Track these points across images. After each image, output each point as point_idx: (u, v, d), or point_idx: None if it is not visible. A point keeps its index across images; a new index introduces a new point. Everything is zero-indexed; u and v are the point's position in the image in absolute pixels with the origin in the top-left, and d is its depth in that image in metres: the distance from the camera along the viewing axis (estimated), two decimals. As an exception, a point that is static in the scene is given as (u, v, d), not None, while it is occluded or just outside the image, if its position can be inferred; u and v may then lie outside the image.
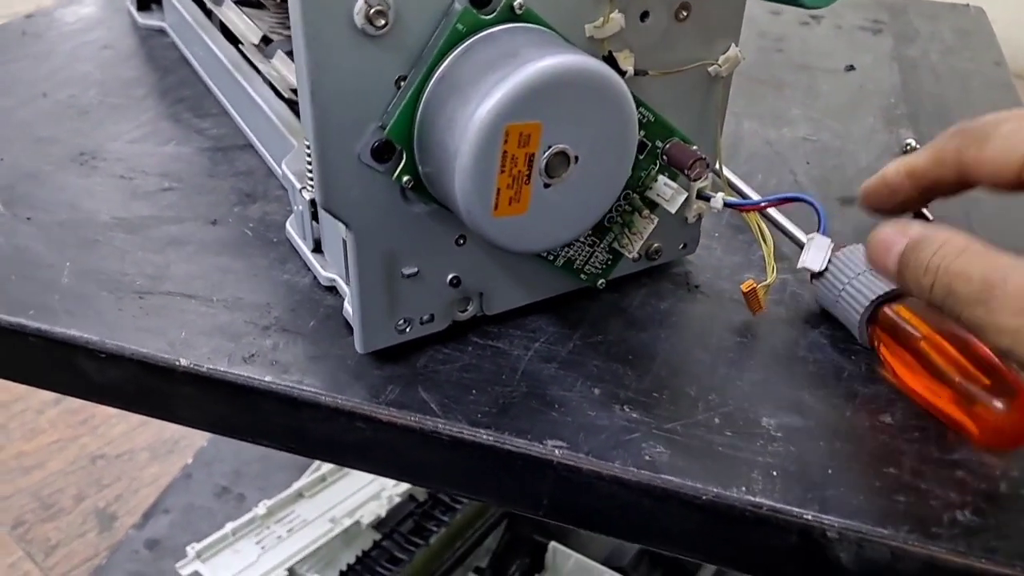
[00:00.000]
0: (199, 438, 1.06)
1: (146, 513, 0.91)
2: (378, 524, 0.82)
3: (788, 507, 0.28)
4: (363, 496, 0.85)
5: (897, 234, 0.29)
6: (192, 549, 0.79)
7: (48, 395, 1.15)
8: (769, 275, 0.35)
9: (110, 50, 0.59)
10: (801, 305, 0.37)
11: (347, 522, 0.82)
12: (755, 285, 0.35)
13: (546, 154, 0.27)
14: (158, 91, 0.54)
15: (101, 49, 0.59)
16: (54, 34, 0.61)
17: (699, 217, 0.37)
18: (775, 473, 0.29)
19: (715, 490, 0.28)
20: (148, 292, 0.36)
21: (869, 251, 0.30)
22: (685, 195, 0.34)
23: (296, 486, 0.85)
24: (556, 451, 0.29)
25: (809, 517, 0.28)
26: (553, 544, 0.77)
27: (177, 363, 0.33)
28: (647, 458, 0.29)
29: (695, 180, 0.33)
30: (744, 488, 0.28)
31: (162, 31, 0.61)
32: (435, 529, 0.80)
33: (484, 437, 0.30)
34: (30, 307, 0.35)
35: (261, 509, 0.83)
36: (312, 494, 0.86)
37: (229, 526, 0.81)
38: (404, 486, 0.85)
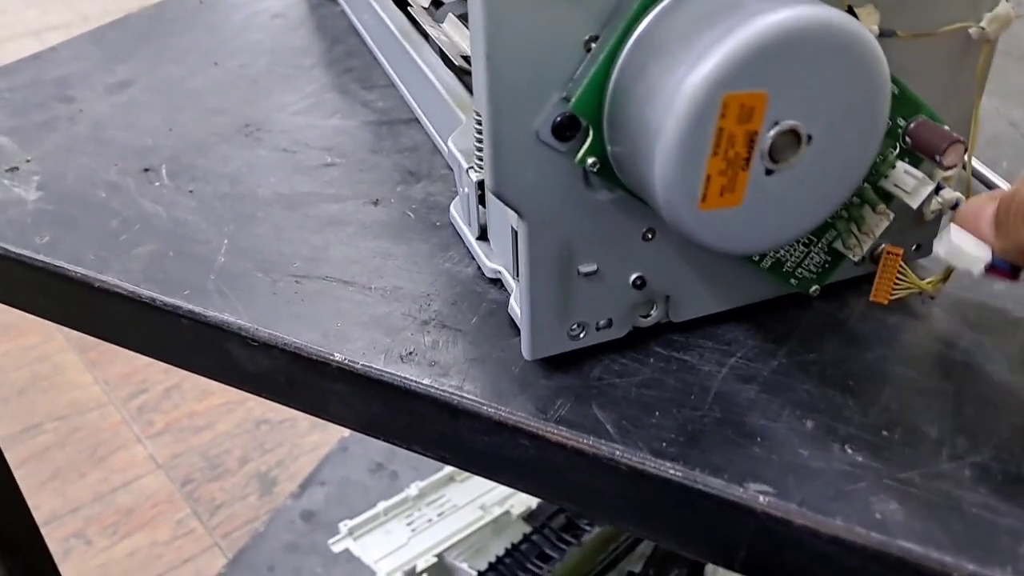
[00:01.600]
0: (356, 411, 1.07)
1: (303, 483, 0.93)
2: (529, 516, 0.79)
3: (1073, 600, 0.21)
4: (515, 486, 0.82)
5: (986, 199, 0.25)
6: (345, 526, 0.79)
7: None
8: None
9: (281, 19, 0.57)
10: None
11: (497, 511, 0.79)
12: (900, 257, 0.28)
13: (772, 132, 0.22)
14: (325, 61, 0.52)
15: (272, 18, 0.58)
16: (229, 4, 0.60)
17: (939, 214, 0.31)
18: (1053, 551, 0.23)
19: (971, 567, 0.22)
20: (304, 276, 0.34)
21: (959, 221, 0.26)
22: (932, 186, 0.27)
23: (448, 468, 0.84)
24: (760, 498, 0.24)
25: (1105, 617, 0.21)
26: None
27: (331, 357, 0.30)
28: (877, 516, 0.23)
29: (948, 168, 0.26)
30: (1011, 568, 0.22)
31: (333, 0, 0.60)
32: (588, 528, 0.76)
33: (671, 471, 0.25)
34: (185, 287, 0.33)
35: (413, 490, 0.82)
36: (464, 478, 0.84)
37: (381, 505, 0.80)
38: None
